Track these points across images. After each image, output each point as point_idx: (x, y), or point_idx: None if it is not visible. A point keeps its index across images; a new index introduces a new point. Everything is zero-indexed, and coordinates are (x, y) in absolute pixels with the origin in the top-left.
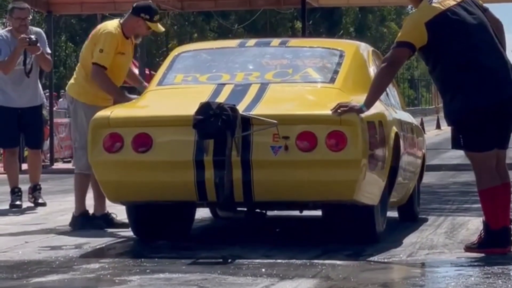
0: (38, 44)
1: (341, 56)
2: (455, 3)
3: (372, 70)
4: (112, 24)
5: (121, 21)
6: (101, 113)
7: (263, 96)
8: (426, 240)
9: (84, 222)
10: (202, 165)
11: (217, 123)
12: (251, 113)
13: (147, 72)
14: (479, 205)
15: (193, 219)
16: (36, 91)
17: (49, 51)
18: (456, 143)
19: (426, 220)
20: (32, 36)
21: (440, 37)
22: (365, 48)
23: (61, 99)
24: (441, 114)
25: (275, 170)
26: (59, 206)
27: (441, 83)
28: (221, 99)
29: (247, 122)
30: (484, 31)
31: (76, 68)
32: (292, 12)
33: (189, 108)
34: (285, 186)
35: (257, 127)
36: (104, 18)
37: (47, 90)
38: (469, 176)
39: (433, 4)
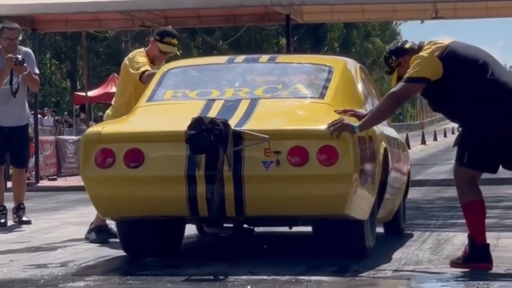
0: (25, 64)
1: (329, 72)
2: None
3: (360, 86)
4: (135, 51)
5: (146, 48)
6: (93, 129)
7: (253, 112)
8: (411, 255)
9: (99, 233)
10: (194, 180)
11: (209, 138)
12: (242, 128)
13: None
14: (464, 221)
15: (183, 236)
16: (23, 111)
17: (37, 71)
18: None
19: (411, 235)
20: (19, 56)
21: (456, 66)
22: (352, 64)
23: (46, 117)
24: (426, 130)
25: (267, 185)
26: (45, 224)
27: (461, 107)
28: (211, 114)
29: (238, 137)
30: (489, 54)
31: (113, 103)
32: (277, 28)
33: (181, 124)
34: (277, 201)
35: (249, 142)
36: (89, 35)
37: (33, 112)
38: (454, 192)
39: (437, 41)
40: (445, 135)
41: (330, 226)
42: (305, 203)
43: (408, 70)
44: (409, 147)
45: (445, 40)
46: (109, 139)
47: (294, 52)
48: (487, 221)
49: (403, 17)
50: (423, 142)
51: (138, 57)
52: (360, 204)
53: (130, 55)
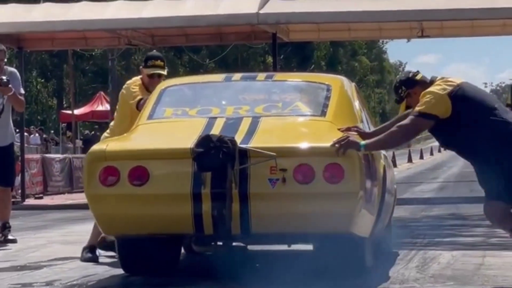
0: (10, 85)
1: (328, 90)
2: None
3: (357, 104)
4: (130, 80)
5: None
6: (97, 147)
7: (257, 129)
8: (397, 274)
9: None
10: (199, 198)
11: (218, 156)
12: (248, 145)
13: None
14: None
15: (180, 253)
16: (7, 131)
17: (22, 91)
18: None
19: (397, 254)
20: (4, 77)
21: (463, 105)
22: (348, 83)
23: (32, 135)
24: (413, 148)
25: (273, 203)
26: (30, 243)
27: (469, 146)
28: (214, 132)
29: (244, 154)
30: (495, 98)
31: (111, 126)
32: (264, 46)
33: (185, 141)
34: (283, 219)
35: (255, 160)
36: (75, 53)
37: (18, 130)
38: (441, 210)
39: (449, 79)
40: (431, 154)
41: (332, 243)
42: (310, 220)
43: (419, 104)
44: (395, 166)
45: (456, 79)
46: (113, 157)
47: (280, 70)
48: (471, 239)
49: (389, 36)
50: (410, 160)
51: (133, 86)
52: (363, 222)
53: (126, 84)
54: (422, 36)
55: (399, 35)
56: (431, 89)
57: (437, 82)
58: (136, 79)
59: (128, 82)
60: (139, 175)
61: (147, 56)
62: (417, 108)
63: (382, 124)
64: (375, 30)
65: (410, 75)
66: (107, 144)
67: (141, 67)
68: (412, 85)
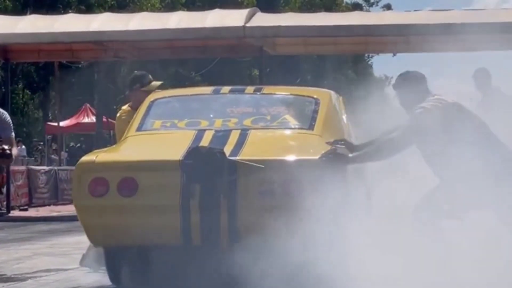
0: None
1: (316, 103)
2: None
3: (344, 118)
4: (121, 110)
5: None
6: (87, 158)
7: (245, 142)
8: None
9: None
10: (188, 209)
11: (207, 168)
12: (237, 157)
13: (104, 119)
14: None
15: (167, 264)
16: None
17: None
18: None
19: None
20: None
21: (453, 123)
22: (336, 96)
23: (19, 147)
24: None
25: (261, 214)
26: (15, 254)
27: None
28: (204, 144)
29: (233, 166)
30: (485, 123)
31: None
32: (250, 59)
33: (174, 153)
34: (271, 230)
35: (244, 172)
36: (61, 65)
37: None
38: None
39: (441, 97)
40: None
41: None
42: (299, 232)
43: (409, 118)
44: None
45: (449, 98)
46: (103, 168)
47: (266, 83)
48: None
49: (375, 50)
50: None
51: (119, 116)
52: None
53: (118, 114)
54: (408, 51)
55: (385, 49)
56: (423, 104)
57: (431, 99)
58: (125, 109)
59: (119, 113)
60: (128, 186)
61: (139, 76)
62: (407, 123)
63: (370, 139)
64: (361, 44)
65: (413, 80)
66: (97, 155)
67: (130, 91)
68: (405, 86)
